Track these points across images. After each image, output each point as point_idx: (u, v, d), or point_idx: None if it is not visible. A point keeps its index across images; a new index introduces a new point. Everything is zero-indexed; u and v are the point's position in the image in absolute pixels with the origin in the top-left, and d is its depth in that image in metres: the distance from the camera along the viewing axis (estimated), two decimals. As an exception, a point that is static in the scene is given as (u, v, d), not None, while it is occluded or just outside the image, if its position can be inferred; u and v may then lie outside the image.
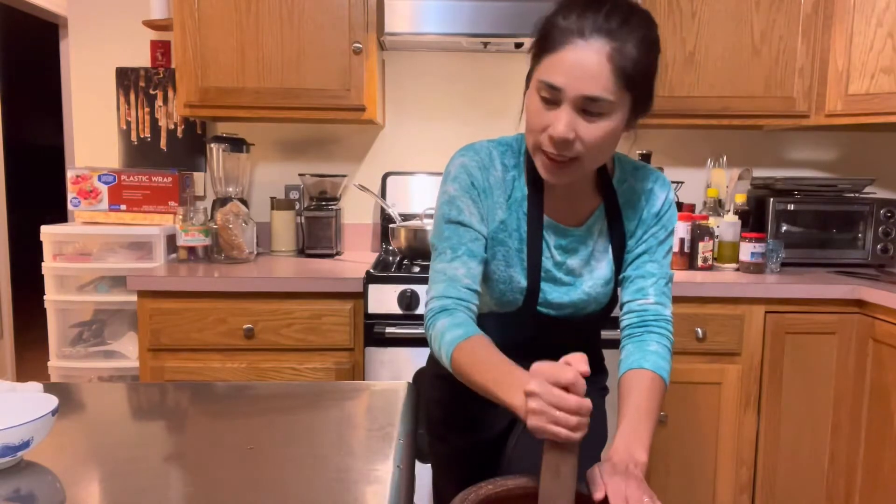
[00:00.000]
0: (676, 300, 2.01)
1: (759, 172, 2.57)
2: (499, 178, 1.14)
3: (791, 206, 2.34)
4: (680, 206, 2.48)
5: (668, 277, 1.18)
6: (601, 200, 1.17)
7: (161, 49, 2.54)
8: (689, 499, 2.10)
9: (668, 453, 2.07)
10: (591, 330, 1.30)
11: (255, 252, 2.37)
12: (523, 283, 1.15)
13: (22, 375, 3.81)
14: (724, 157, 2.48)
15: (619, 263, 1.19)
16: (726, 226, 2.31)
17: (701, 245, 2.22)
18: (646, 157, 2.45)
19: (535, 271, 1.15)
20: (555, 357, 1.25)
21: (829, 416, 2.09)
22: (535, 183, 1.14)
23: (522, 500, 0.90)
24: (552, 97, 0.99)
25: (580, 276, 1.18)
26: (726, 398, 2.06)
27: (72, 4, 2.54)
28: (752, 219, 2.40)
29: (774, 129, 2.56)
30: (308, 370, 2.00)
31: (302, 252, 2.48)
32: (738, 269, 2.25)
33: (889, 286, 2.00)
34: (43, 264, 2.23)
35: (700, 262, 2.23)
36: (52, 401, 0.81)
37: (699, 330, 2.02)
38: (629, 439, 1.01)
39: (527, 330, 1.19)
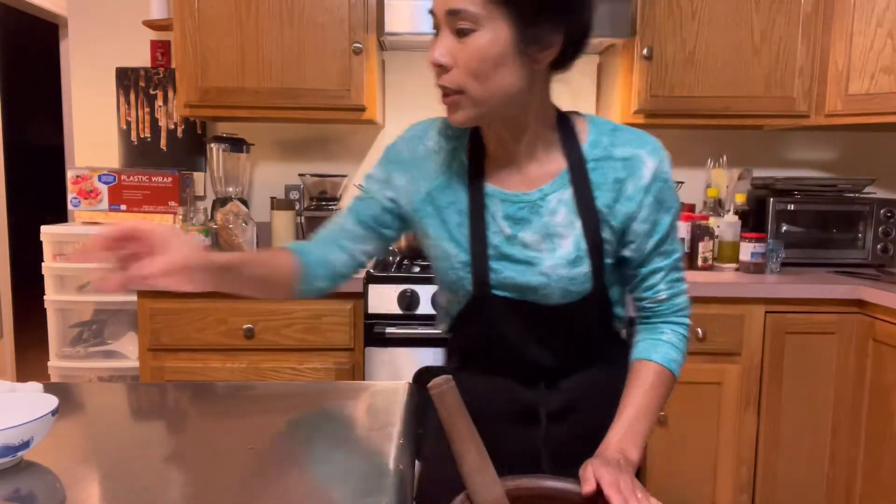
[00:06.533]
0: (676, 300, 2.01)
1: (759, 172, 2.57)
2: (430, 148, 1.09)
3: (791, 206, 2.34)
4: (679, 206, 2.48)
5: (676, 261, 1.07)
6: (564, 166, 1.02)
7: (161, 49, 2.54)
8: (689, 499, 2.10)
9: (668, 453, 2.07)
10: (587, 327, 1.09)
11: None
12: (463, 257, 1.04)
13: (22, 375, 3.80)
14: (724, 157, 2.48)
15: (592, 243, 1.01)
16: (726, 226, 2.32)
17: (701, 245, 2.22)
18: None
19: (477, 245, 1.03)
20: (547, 354, 1.08)
21: (829, 416, 2.09)
22: (477, 151, 1.07)
23: (521, 500, 0.90)
24: (434, 24, 0.97)
25: (539, 252, 1.02)
26: (726, 398, 2.06)
27: (72, 4, 2.54)
28: (753, 219, 2.40)
29: (774, 129, 2.55)
30: (308, 370, 2.00)
31: (302, 252, 2.48)
32: (738, 269, 2.25)
33: (889, 286, 1.99)
34: (43, 264, 2.23)
35: (700, 262, 2.23)
36: (52, 401, 0.81)
37: (699, 330, 2.02)
38: (623, 437, 0.97)
39: (502, 321, 1.05)
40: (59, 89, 4.09)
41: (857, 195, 2.40)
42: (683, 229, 2.21)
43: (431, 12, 0.96)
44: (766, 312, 2.03)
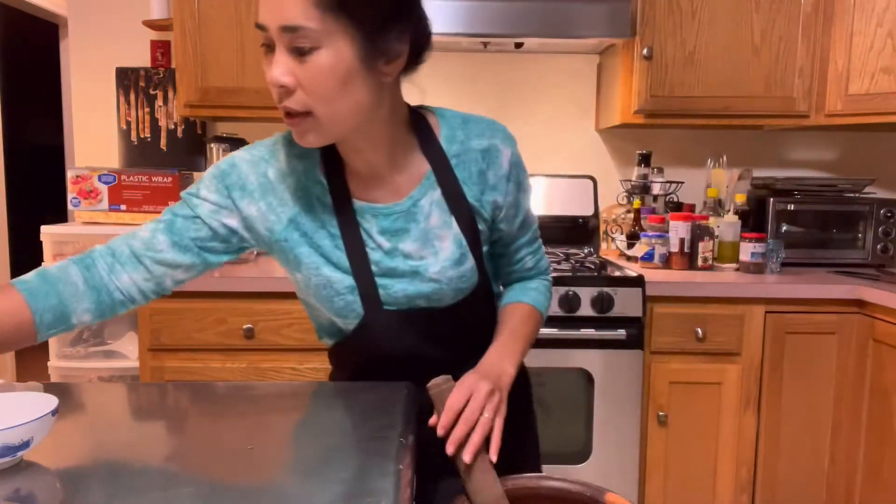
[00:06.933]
0: (676, 300, 2.01)
1: (759, 172, 2.57)
2: (281, 170, 0.99)
3: (791, 206, 2.35)
4: (680, 206, 2.48)
5: (535, 231, 1.13)
6: (427, 167, 1.01)
7: (161, 49, 2.54)
8: (689, 499, 2.10)
9: (668, 453, 2.07)
10: (478, 317, 1.11)
11: (256, 252, 2.37)
12: (348, 281, 1.00)
13: (22, 375, 3.81)
14: (724, 157, 2.48)
15: (471, 237, 1.02)
16: (726, 226, 2.32)
17: (701, 245, 2.22)
18: (646, 158, 2.45)
19: (359, 266, 1.00)
20: (444, 353, 1.06)
21: (829, 416, 2.09)
22: (333, 167, 1.00)
23: (521, 500, 0.90)
24: (266, 41, 0.87)
25: (423, 260, 1.01)
26: (726, 398, 2.06)
27: (72, 4, 2.54)
28: (753, 219, 2.40)
29: (774, 129, 2.56)
30: (308, 370, 2.00)
31: (302, 252, 2.48)
32: (738, 269, 2.25)
33: (889, 286, 2.00)
34: (43, 264, 2.23)
35: (700, 262, 2.23)
36: (52, 401, 0.81)
37: (699, 330, 2.02)
38: (500, 353, 1.01)
39: (397, 335, 1.04)
40: (59, 89, 4.09)
41: (857, 195, 2.40)
42: (683, 229, 2.21)
43: (260, 26, 0.86)
44: (766, 312, 2.03)
